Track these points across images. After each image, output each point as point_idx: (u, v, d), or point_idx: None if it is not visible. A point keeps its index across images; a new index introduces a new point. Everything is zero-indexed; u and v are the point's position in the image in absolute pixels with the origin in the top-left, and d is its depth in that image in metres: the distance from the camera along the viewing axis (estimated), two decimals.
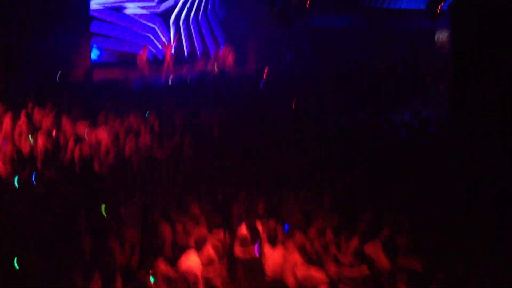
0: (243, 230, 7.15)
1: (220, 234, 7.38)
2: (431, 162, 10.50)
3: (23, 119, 11.72)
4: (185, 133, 11.97)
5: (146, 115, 13.21)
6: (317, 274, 6.28)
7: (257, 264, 6.88)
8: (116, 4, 20.46)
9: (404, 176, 9.67)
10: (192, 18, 22.65)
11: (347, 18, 20.35)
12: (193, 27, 22.83)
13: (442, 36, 16.81)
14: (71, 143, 10.87)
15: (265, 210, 8.01)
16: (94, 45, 19.71)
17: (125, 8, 20.67)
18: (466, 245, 7.08)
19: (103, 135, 11.52)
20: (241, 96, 16.33)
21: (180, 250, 6.92)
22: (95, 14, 19.77)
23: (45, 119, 12.00)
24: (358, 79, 18.25)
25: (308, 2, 15.72)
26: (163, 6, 21.79)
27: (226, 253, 7.10)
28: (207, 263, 6.75)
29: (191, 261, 6.65)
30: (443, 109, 14.80)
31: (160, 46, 21.39)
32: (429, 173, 9.84)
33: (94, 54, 19.78)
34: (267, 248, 6.95)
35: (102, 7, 19.99)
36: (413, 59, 19.16)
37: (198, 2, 22.60)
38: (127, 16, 20.73)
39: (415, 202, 8.54)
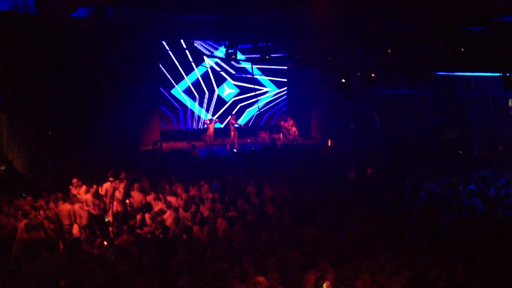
0: None
1: None
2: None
3: (95, 188, 12.16)
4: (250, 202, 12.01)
5: (214, 186, 13.42)
6: None
7: None
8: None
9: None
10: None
11: (414, 86, 20.18)
12: (259, 100, 23.48)
13: None
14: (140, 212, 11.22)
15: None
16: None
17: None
18: None
19: (170, 204, 11.78)
20: (304, 165, 16.34)
21: None
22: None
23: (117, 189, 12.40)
24: (426, 147, 17.89)
25: (372, 73, 15.74)
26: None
27: None
28: None
29: None
30: None
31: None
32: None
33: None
34: None
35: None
36: (486, 125, 18.59)
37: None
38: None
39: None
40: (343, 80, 15.96)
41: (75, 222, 11.13)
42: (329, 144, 19.08)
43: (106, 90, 17.28)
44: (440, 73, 16.22)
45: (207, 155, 17.97)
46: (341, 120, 20.95)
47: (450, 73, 15.55)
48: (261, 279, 7.67)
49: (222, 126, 21.74)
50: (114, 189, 12.27)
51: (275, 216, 11.16)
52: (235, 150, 19.34)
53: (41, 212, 10.95)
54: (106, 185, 12.47)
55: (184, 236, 9.87)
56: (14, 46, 14.80)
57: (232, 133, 20.78)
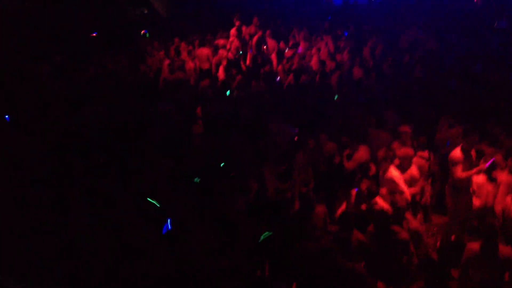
0: (457, 152, 6.66)
1: (425, 154, 7.10)
2: None
3: (232, 33, 12.27)
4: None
5: (346, 34, 12.96)
6: None
7: (466, 190, 6.48)
8: None
9: None
10: None
11: None
12: None
13: None
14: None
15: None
16: None
17: None
18: None
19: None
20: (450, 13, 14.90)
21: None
22: None
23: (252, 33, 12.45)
24: None
25: None
26: None
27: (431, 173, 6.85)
28: (411, 180, 6.57)
29: (394, 175, 6.53)
30: None
31: None
32: None
33: None
34: (479, 176, 6.46)
35: None
36: None
37: None
38: None
39: None
40: None
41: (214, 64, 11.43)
42: None
43: None
44: None
45: (342, 2, 17.11)
46: None
47: None
48: (406, 128, 7.45)
49: None
50: (250, 35, 12.36)
51: (416, 68, 10.59)
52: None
53: (183, 54, 11.47)
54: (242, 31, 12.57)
55: (317, 81, 9.86)
56: None
57: None
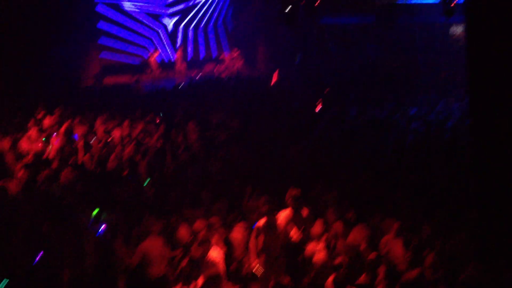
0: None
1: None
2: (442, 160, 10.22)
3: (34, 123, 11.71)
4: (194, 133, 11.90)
5: (160, 115, 13.27)
6: None
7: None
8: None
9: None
10: (201, 25, 22.84)
11: (358, 15, 20.08)
12: (202, 34, 22.97)
13: (457, 29, 16.71)
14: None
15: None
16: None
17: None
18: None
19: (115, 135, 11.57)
20: (251, 97, 16.23)
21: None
22: (101, 11, 19.98)
23: (57, 123, 12.00)
24: (370, 75, 18.12)
25: (317, 2, 15.53)
26: (171, 10, 21.98)
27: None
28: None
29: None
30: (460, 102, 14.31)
31: (167, 50, 21.61)
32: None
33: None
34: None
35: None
36: (427, 53, 19.01)
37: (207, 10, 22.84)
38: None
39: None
40: (287, 10, 15.78)
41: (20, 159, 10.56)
42: (275, 76, 18.92)
43: (41, 26, 16.29)
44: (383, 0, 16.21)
45: (152, 89, 17.55)
46: (287, 51, 20.87)
47: (393, 1, 15.54)
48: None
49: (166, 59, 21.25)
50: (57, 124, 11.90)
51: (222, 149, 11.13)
52: (180, 85, 18.92)
53: None
54: (47, 121, 12.08)
55: (127, 170, 9.75)
56: None
57: (178, 66, 20.42)
